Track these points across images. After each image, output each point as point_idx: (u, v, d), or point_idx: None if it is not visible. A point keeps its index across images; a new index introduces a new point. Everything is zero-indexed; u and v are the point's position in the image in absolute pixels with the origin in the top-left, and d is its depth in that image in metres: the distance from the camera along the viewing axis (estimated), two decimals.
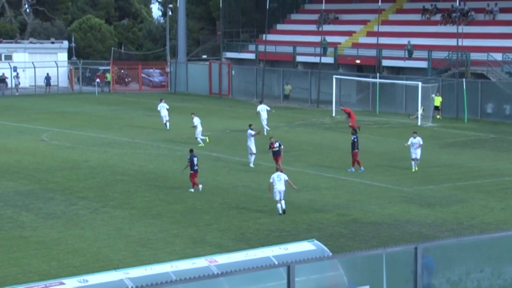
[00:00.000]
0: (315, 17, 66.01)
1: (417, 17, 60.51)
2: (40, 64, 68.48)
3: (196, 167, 27.91)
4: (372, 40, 57.68)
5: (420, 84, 47.51)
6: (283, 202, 24.79)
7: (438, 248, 13.25)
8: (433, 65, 53.44)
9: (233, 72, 64.91)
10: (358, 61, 58.50)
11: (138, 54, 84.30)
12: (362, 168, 31.46)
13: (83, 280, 13.28)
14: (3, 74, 67.99)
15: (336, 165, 32.39)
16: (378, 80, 52.40)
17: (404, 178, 30.53)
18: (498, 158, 35.15)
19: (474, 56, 51.74)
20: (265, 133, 41.04)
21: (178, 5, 71.58)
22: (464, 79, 49.32)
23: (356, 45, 60.20)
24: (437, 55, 53.58)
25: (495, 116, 48.29)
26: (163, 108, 44.74)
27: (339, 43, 61.18)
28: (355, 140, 31.64)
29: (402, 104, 52.37)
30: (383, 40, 56.75)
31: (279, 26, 68.91)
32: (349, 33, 62.67)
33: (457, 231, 22.81)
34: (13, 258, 20.51)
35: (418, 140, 31.42)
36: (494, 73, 50.57)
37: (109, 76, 70.39)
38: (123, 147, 37.99)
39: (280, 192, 24.66)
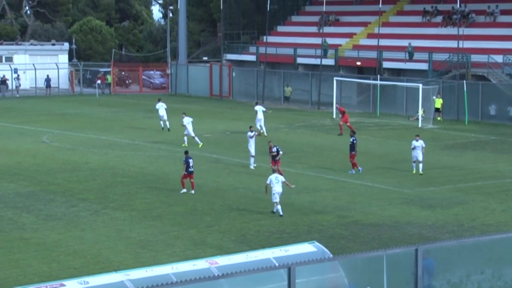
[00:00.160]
0: (315, 19, 66.03)
1: (417, 19, 60.52)
2: (41, 66, 68.51)
3: (191, 169, 27.93)
4: (373, 42, 57.69)
5: (420, 86, 47.52)
6: (279, 206, 24.80)
7: (438, 250, 13.24)
8: (433, 67, 53.45)
9: (233, 74, 64.91)
10: (358, 63, 58.50)
11: (139, 56, 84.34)
12: (360, 168, 31.42)
13: (84, 281, 13.28)
14: (4, 76, 68.04)
15: (336, 167, 32.39)
16: (378, 82, 52.40)
17: (405, 179, 30.52)
18: (498, 160, 35.14)
19: (475, 58, 51.74)
20: (265, 133, 41.09)
21: (178, 7, 71.63)
22: (464, 81, 49.32)
23: (356, 47, 60.21)
24: (438, 57, 53.58)
25: (496, 118, 48.28)
26: (161, 108, 44.85)
27: (340, 45, 61.19)
28: (355, 141, 31.63)
29: (403, 106, 52.36)
30: (384, 42, 56.76)
31: (280, 28, 68.93)
32: (349, 35, 62.68)
33: (458, 233, 22.80)
34: (14, 260, 20.51)
35: (420, 143, 31.34)
36: (495, 75, 50.57)
37: (109, 78, 70.41)
38: (123, 149, 38.00)
39: (278, 194, 24.69)
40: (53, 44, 76.05)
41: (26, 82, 70.59)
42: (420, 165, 31.26)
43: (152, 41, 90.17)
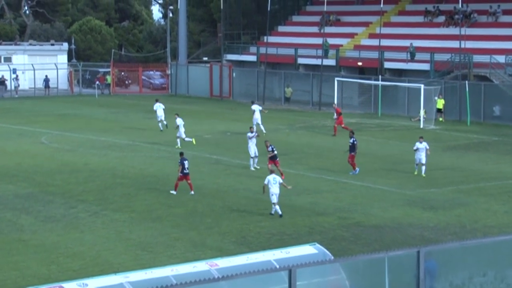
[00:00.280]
0: (316, 19, 66.03)
1: (419, 19, 60.51)
2: (40, 66, 68.52)
3: (186, 171, 27.94)
4: (374, 42, 57.69)
5: (422, 86, 47.52)
6: (277, 206, 24.83)
7: (440, 252, 13.24)
8: (435, 67, 53.43)
9: (234, 74, 64.91)
10: (360, 63, 58.49)
11: (139, 56, 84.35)
12: (355, 171, 31.36)
13: (83, 284, 13.27)
14: (3, 76, 68.06)
15: (337, 168, 32.37)
16: (380, 83, 52.39)
17: (407, 181, 30.50)
18: (501, 161, 35.12)
19: (477, 58, 51.72)
20: (264, 131, 41.24)
21: (178, 7, 71.63)
22: (467, 82, 49.32)
23: (358, 47, 60.20)
24: (440, 57, 53.56)
25: (498, 119, 48.26)
26: (159, 108, 44.97)
27: (341, 45, 61.19)
28: (355, 142, 31.61)
29: (404, 107, 52.35)
30: (385, 42, 56.75)
31: (281, 28, 68.93)
32: (351, 35, 62.68)
33: (460, 234, 22.78)
34: (12, 262, 20.50)
35: (424, 145, 31.21)
36: (497, 75, 50.56)
37: (109, 78, 70.42)
38: (123, 150, 38.00)
39: (276, 195, 24.70)
40: (52, 44, 76.06)
41: (25, 83, 70.60)
42: (423, 168, 31.16)
43: (152, 41, 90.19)
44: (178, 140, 38.43)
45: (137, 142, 40.20)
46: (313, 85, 58.59)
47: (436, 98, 48.96)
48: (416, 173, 31.25)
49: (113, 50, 77.38)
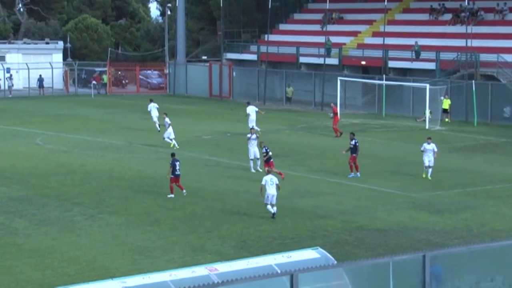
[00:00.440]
0: (319, 16, 66.07)
1: (424, 16, 60.54)
2: (34, 65, 68.56)
3: (178, 172, 27.97)
4: (378, 40, 57.70)
5: (428, 86, 47.53)
6: (275, 208, 24.90)
7: (447, 256, 13.22)
8: (441, 67, 53.45)
9: (234, 73, 64.94)
10: (363, 62, 58.52)
11: (136, 55, 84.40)
12: (352, 173, 31.33)
13: None
14: None
15: (340, 170, 32.35)
16: (384, 82, 52.41)
17: (412, 183, 30.48)
18: (509, 163, 35.10)
19: (484, 57, 51.74)
20: (259, 132, 41.28)
21: (177, 4, 71.67)
22: (473, 81, 49.32)
23: (361, 46, 60.23)
24: (446, 56, 53.58)
25: (506, 119, 48.24)
26: (153, 109, 45.11)
27: (344, 44, 61.21)
28: (357, 144, 31.59)
29: (409, 107, 52.36)
30: (390, 41, 56.77)
31: (282, 26, 68.97)
32: (354, 34, 62.71)
33: (467, 238, 22.77)
34: (6, 266, 20.47)
35: (432, 146, 31.07)
36: (505, 75, 50.56)
37: (105, 77, 70.48)
38: (120, 151, 38.00)
39: (272, 196, 24.76)
40: (47, 43, 76.11)
41: (19, 82, 70.66)
42: (429, 170, 31.04)
43: (149, 39, 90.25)
44: (173, 140, 38.46)
45: (134, 143, 40.20)
46: (315, 84, 58.60)
47: (442, 98, 48.95)
48: (424, 176, 31.04)
49: (109, 49, 77.46)
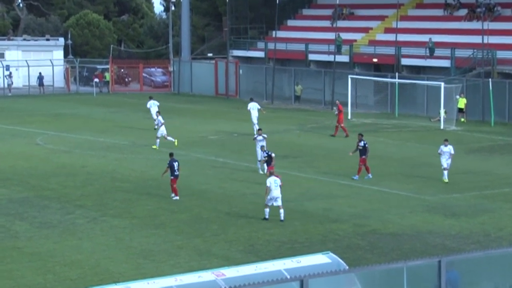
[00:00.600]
0: (328, 12, 66.04)
1: (438, 12, 60.43)
2: (34, 62, 68.73)
3: (176, 173, 28.06)
4: (391, 37, 57.64)
5: (442, 84, 47.42)
6: (282, 210, 24.96)
7: (463, 262, 13.22)
8: (456, 64, 53.36)
9: (240, 71, 64.97)
10: (375, 60, 58.46)
11: (139, 52, 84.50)
12: (357, 176, 31.30)
13: None
14: None
15: (351, 172, 32.33)
16: (397, 80, 52.35)
17: (426, 185, 30.46)
18: None
19: (501, 54, 51.62)
20: (255, 133, 41.45)
21: (181, 0, 71.73)
22: (490, 79, 49.20)
23: (373, 43, 60.17)
24: (461, 53, 53.48)
25: None
26: (153, 106, 45.29)
27: (355, 41, 61.17)
28: (366, 145, 31.58)
29: (423, 106, 52.28)
30: (402, 37, 56.70)
31: (290, 22, 68.96)
32: (365, 30, 62.65)
33: (484, 243, 22.75)
34: (6, 271, 20.56)
35: (449, 148, 30.95)
36: None
37: (108, 75, 70.58)
38: (122, 152, 38.07)
39: (277, 198, 24.86)
40: (48, 39, 76.26)
41: (19, 80, 70.81)
42: (445, 172, 30.93)
43: (153, 36, 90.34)
44: (170, 138, 38.66)
45: (138, 143, 40.26)
46: (325, 83, 58.56)
47: (457, 97, 48.87)
48: (445, 180, 30.75)
49: (112, 46, 77.51)
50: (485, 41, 50.39)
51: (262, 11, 70.29)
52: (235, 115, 52.57)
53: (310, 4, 70.18)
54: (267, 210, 25.22)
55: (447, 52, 54.28)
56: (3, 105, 59.18)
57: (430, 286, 12.76)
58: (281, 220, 25.01)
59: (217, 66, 66.67)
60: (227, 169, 33.67)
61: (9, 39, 76.06)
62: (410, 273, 12.71)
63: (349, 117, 50.44)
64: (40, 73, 68.72)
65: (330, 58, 58.54)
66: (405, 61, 56.46)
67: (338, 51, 59.12)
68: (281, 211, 25.10)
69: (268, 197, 25.08)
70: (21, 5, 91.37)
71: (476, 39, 51.95)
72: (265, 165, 31.99)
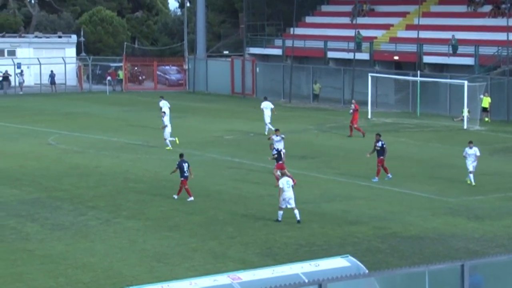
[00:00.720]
0: (348, 8, 65.93)
1: (462, 8, 60.18)
2: (46, 60, 69.08)
3: (186, 174, 28.15)
4: (412, 34, 57.46)
5: (466, 83, 47.25)
6: (296, 211, 25.02)
7: (487, 266, 13.17)
8: (480, 62, 53.11)
9: (257, 69, 64.98)
10: (396, 58, 58.30)
11: (153, 50, 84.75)
12: (376, 178, 31.20)
13: None
14: (6, 71, 68.68)
15: (371, 173, 32.26)
16: (419, 79, 52.20)
17: (449, 187, 30.36)
18: None
19: None
20: (265, 132, 41.60)
21: None
22: None
23: (394, 40, 60.01)
24: (485, 50, 53.22)
25: None
26: (165, 106, 45.49)
27: (375, 38, 61.03)
28: (384, 145, 31.49)
29: (446, 105, 52.10)
30: (425, 34, 56.51)
31: (309, 19, 68.90)
32: (386, 26, 62.50)
33: (509, 246, 22.64)
34: (17, 273, 20.67)
35: (474, 150, 30.73)
36: None
37: (121, 73, 70.83)
38: (136, 152, 38.20)
39: (289, 199, 25.00)
40: (60, 37, 76.62)
41: (30, 78, 71.19)
42: (471, 175, 30.72)
43: (167, 33, 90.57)
44: (167, 141, 38.80)
45: (152, 143, 40.37)
46: (344, 81, 58.47)
47: (481, 96, 48.65)
48: (472, 183, 30.56)
49: (125, 43, 77.81)
50: (510, 38, 50.12)
51: (279, 7, 70.30)
52: (252, 115, 52.56)
53: (329, 0, 70.07)
54: (280, 212, 25.23)
55: (470, 49, 54.02)
56: (14, 103, 59.54)
57: None
58: (298, 221, 25.00)
59: (233, 64, 66.73)
60: (243, 170, 33.69)
61: (20, 36, 76.46)
62: (432, 278, 12.68)
63: (369, 116, 50.37)
64: (51, 71, 69.04)
65: (350, 55, 58.44)
66: (427, 59, 56.26)
67: (358, 49, 59.01)
68: (296, 211, 25.17)
69: (281, 198, 25.10)
70: (33, 1, 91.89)
71: (501, 36, 51.68)
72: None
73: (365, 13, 64.94)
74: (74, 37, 77.14)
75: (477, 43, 54.07)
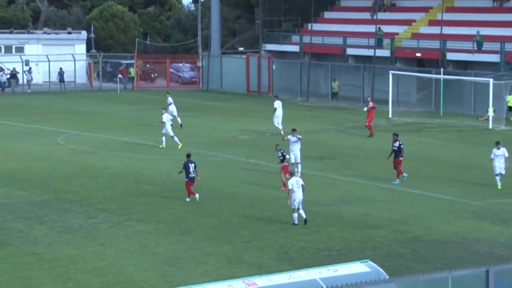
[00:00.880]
0: (368, 3, 65.85)
1: (487, 3, 59.97)
2: (55, 57, 69.38)
3: (191, 175, 28.25)
4: (435, 30, 57.31)
5: (491, 81, 47.11)
6: (302, 211, 25.10)
7: None
8: (506, 59, 52.92)
9: (274, 66, 65.00)
10: (418, 54, 58.19)
11: (166, 46, 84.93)
12: (398, 180, 31.10)
13: None
14: (14, 68, 69.01)
15: (392, 174, 32.20)
16: (442, 76, 52.07)
17: (473, 189, 30.26)
18: None
19: None
20: (281, 132, 41.64)
21: None
22: None
23: (416, 36, 59.88)
24: (511, 47, 53.01)
25: None
26: (172, 103, 45.86)
27: (397, 34, 60.93)
28: (401, 146, 31.40)
29: (470, 104, 51.95)
30: (448, 30, 56.36)
31: (327, 14, 68.85)
32: (408, 22, 62.37)
33: None
34: (25, 278, 20.78)
35: (502, 151, 30.54)
36: None
37: (133, 71, 71.05)
38: (148, 152, 38.30)
39: (300, 200, 24.99)
40: (69, 33, 76.95)
41: (39, 76, 71.54)
42: (498, 178, 30.46)
43: (181, 29, 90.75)
44: (163, 138, 38.88)
45: (164, 143, 40.44)
46: (364, 79, 58.40)
47: (507, 94, 48.48)
48: (499, 187, 30.42)
49: (137, 39, 78.04)
50: None
51: (297, 2, 70.27)
52: (268, 114, 52.47)
53: None
54: (295, 215, 25.26)
55: (496, 46, 53.84)
56: (22, 102, 59.85)
57: None
58: (305, 219, 24.99)
59: (249, 61, 66.77)
60: (259, 171, 33.71)
61: (28, 33, 76.83)
62: (455, 283, 12.67)
63: (390, 115, 50.31)
64: (60, 68, 69.32)
65: (370, 52, 58.37)
66: (450, 56, 56.11)
67: (379, 45, 58.94)
68: (301, 211, 25.17)
69: (292, 199, 25.12)
70: None
71: None
72: (299, 167, 31.98)
73: (386, 8, 64.82)
74: (84, 33, 77.43)
75: (503, 39, 53.88)
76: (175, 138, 39.14)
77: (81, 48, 75.34)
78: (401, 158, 31.43)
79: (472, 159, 36.15)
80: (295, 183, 25.30)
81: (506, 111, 48.24)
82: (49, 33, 76.52)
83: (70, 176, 32.83)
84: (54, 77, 69.37)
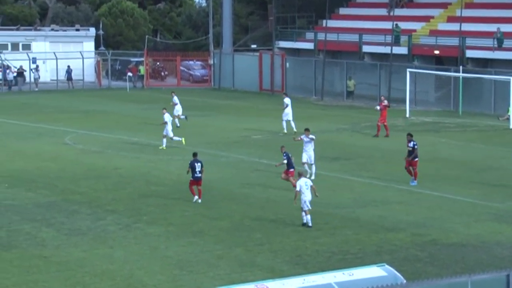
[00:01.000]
0: None
1: None
2: (63, 55, 69.62)
3: (197, 175, 28.30)
4: (454, 26, 57.18)
5: None
6: (309, 216, 25.20)
7: None
8: None
9: (287, 64, 65.01)
10: (437, 52, 58.07)
11: (176, 44, 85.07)
12: (416, 181, 31.02)
13: None
14: (21, 66, 69.28)
15: (409, 176, 32.15)
16: (461, 75, 51.96)
17: (494, 191, 30.18)
18: None
19: None
20: (294, 130, 41.65)
21: None
22: None
23: (434, 33, 59.77)
24: None
25: None
26: (178, 101, 46.09)
27: (414, 31, 60.83)
28: (415, 146, 31.29)
29: (490, 103, 51.81)
30: (467, 27, 56.22)
31: (342, 10, 68.81)
32: (426, 19, 62.27)
33: None
34: (32, 281, 20.86)
35: None
36: None
37: (142, 69, 71.20)
38: (157, 153, 38.37)
39: (308, 201, 25.11)
40: (77, 30, 77.19)
41: (46, 74, 71.80)
42: None
43: (192, 26, 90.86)
44: (164, 139, 38.96)
45: (174, 143, 40.51)
46: (380, 77, 58.33)
47: None
48: None
49: (147, 37, 78.21)
50: None
51: None
52: (281, 113, 52.56)
53: None
54: (308, 216, 25.29)
55: None
56: (29, 101, 60.08)
57: None
58: (309, 226, 25.03)
59: (262, 59, 66.80)
60: (272, 172, 33.68)
61: (36, 30, 77.11)
62: None
63: (407, 115, 50.24)
64: (68, 66, 69.55)
65: (387, 50, 58.30)
66: (470, 53, 55.96)
67: (396, 42, 58.85)
68: (308, 216, 25.14)
69: (302, 201, 25.12)
70: None
71: None
72: (306, 167, 31.87)
73: (403, 4, 64.70)
74: (92, 30, 77.64)
75: None
76: (175, 138, 39.16)
77: (90, 45, 75.54)
78: (416, 159, 31.29)
79: (492, 160, 36.03)
80: (304, 184, 25.32)
81: None
82: (57, 30, 76.77)
83: (78, 177, 32.93)
84: (62, 75, 69.60)
